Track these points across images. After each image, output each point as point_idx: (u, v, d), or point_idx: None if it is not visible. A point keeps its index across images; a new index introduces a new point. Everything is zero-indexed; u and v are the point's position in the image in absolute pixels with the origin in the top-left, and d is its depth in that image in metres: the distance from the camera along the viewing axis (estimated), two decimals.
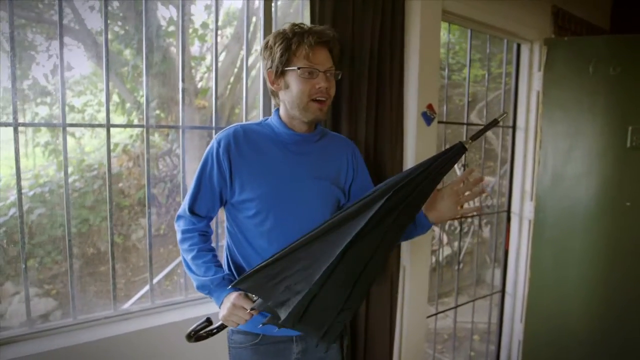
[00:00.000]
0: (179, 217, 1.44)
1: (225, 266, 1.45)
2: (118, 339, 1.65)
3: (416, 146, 2.13)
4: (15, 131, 1.57)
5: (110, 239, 1.79)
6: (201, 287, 1.36)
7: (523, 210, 2.94)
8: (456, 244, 4.19)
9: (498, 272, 3.10)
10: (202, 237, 1.41)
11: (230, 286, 1.29)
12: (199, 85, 3.98)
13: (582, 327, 2.65)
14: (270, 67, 1.35)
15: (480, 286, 3.61)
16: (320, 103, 1.33)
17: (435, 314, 2.72)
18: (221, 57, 4.37)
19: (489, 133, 3.65)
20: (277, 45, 1.32)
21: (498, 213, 3.02)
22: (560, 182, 2.67)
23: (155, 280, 3.10)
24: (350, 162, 1.50)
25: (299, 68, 1.31)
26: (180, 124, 1.89)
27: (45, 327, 1.66)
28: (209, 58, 4.69)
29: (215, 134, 1.93)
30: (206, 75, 4.52)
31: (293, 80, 1.32)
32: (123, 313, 1.77)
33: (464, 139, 1.39)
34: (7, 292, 3.43)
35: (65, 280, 3.39)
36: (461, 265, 2.97)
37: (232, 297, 1.29)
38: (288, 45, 1.31)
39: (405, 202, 1.27)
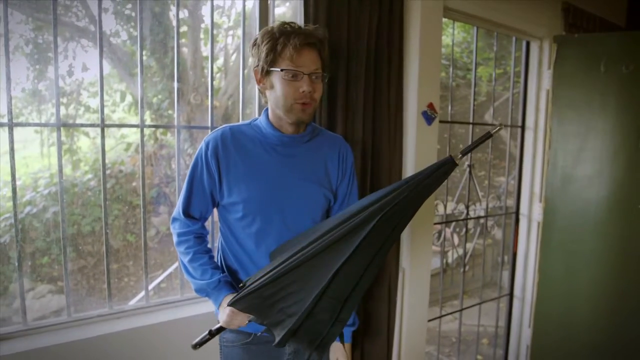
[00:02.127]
0: (174, 219, 1.42)
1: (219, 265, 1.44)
2: (113, 336, 1.66)
3: (416, 146, 2.07)
4: (11, 130, 1.57)
5: (105, 238, 1.79)
6: (199, 290, 1.36)
7: (532, 212, 2.84)
8: (466, 245, 4.11)
9: (507, 274, 3.02)
10: (197, 240, 1.39)
11: (227, 305, 1.28)
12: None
13: (591, 333, 2.55)
14: (257, 66, 1.31)
15: (492, 288, 3.52)
16: (304, 105, 1.29)
17: (440, 317, 2.66)
18: (233, 57, 4.38)
19: (502, 132, 3.57)
20: (263, 43, 1.28)
21: (507, 214, 2.94)
22: (570, 183, 2.58)
23: (162, 277, 3.13)
24: (340, 164, 1.46)
25: (282, 70, 1.26)
26: (176, 123, 1.88)
27: (40, 325, 1.67)
28: (221, 58, 4.70)
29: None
30: (218, 75, 4.54)
31: (277, 81, 1.28)
32: (118, 311, 1.77)
33: (468, 141, 1.35)
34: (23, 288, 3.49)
35: (79, 277, 3.44)
36: (467, 268, 2.89)
37: (227, 312, 1.28)
38: (274, 45, 1.26)
39: (396, 221, 1.24)
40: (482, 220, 2.84)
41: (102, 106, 1.75)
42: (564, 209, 2.59)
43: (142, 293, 2.85)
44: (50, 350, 1.56)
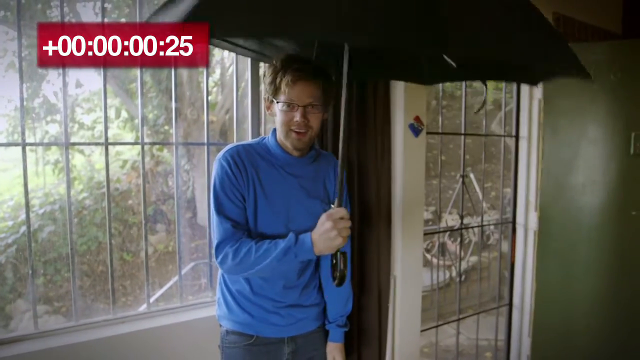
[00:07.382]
0: (220, 245, 1.51)
1: (223, 287, 1.67)
2: (115, 339, 1.97)
3: (404, 157, 2.37)
4: (23, 150, 1.86)
5: (109, 248, 2.09)
6: (285, 254, 1.45)
7: (528, 221, 3.11)
8: (471, 259, 4.37)
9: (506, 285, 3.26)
10: (248, 237, 1.53)
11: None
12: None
13: (590, 339, 2.80)
14: (265, 94, 1.60)
15: (492, 301, 3.76)
16: (299, 134, 1.53)
17: (437, 326, 2.92)
18: (229, 71, 4.71)
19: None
20: (267, 75, 1.54)
21: (503, 224, 3.21)
22: (564, 191, 2.84)
23: (159, 293, 3.43)
24: (335, 178, 1.70)
25: (277, 102, 1.53)
26: (174, 140, 2.18)
27: (49, 328, 1.98)
28: (218, 72, 5.03)
29: (208, 149, 2.22)
30: (214, 89, 4.87)
31: (277, 110, 1.54)
32: (121, 316, 2.08)
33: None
34: (19, 309, 3.80)
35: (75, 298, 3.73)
36: (463, 277, 3.17)
37: (327, 225, 1.41)
38: (274, 78, 1.52)
39: None
40: (482, 231, 3.09)
41: (106, 125, 2.06)
42: (559, 217, 2.86)
43: (139, 308, 3.14)
44: (56, 350, 1.87)
